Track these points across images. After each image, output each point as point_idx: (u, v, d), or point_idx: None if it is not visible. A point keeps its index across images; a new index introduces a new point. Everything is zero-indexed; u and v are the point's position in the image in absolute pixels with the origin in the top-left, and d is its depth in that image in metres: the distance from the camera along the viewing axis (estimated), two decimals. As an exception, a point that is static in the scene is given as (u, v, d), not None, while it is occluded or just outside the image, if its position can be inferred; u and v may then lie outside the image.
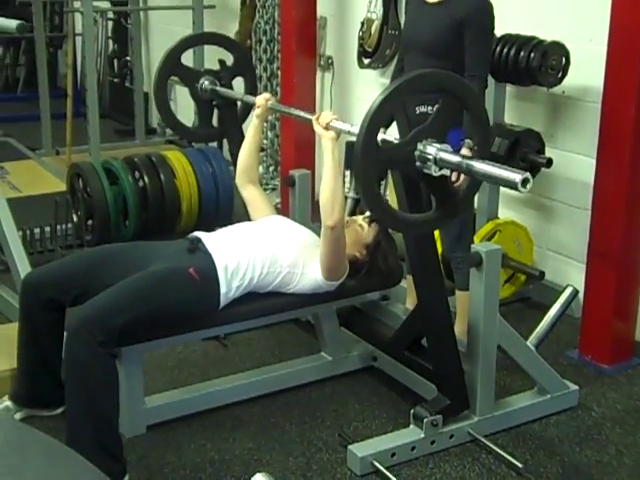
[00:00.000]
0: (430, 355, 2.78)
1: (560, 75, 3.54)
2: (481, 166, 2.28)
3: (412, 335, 2.88)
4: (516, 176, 2.17)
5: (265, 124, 5.34)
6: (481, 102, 2.54)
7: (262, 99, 3.17)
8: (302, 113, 3.03)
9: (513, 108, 3.88)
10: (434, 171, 2.33)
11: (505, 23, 3.58)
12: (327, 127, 2.71)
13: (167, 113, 3.56)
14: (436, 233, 3.39)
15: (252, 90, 3.66)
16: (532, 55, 3.47)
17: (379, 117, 2.29)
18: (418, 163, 2.35)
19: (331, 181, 2.63)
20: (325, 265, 2.79)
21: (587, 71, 3.51)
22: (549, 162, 3.57)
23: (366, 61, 4.73)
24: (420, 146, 2.34)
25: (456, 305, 3.30)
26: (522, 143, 3.59)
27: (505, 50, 3.54)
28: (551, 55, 3.48)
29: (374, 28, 4.64)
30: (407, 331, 2.89)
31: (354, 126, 2.56)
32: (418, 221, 2.47)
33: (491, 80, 3.61)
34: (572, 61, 3.51)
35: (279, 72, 5.18)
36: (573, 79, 3.56)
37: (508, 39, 3.57)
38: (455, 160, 2.31)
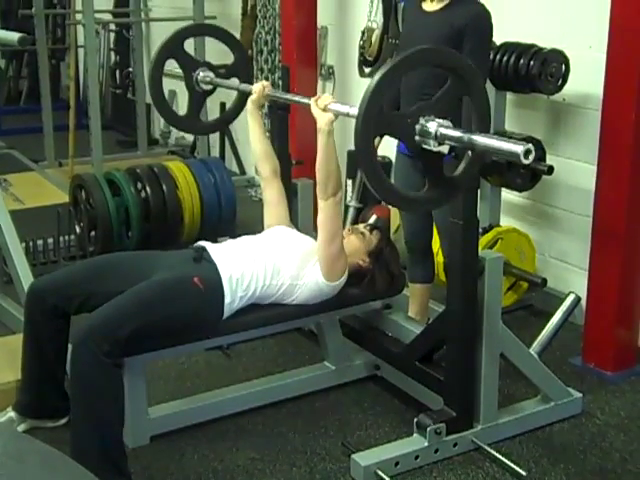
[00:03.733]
0: (446, 365, 2.78)
1: (560, 82, 3.54)
2: (483, 139, 2.28)
3: (429, 344, 2.90)
4: (518, 147, 2.17)
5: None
6: (481, 80, 2.53)
7: (260, 85, 3.17)
8: (299, 98, 3.04)
9: (514, 116, 3.89)
10: (433, 146, 2.33)
11: (505, 31, 3.59)
12: (325, 109, 2.72)
13: (158, 93, 3.46)
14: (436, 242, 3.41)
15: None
16: (532, 63, 3.48)
17: (386, 83, 2.29)
18: (418, 137, 2.35)
19: (325, 161, 2.72)
20: (323, 255, 2.79)
21: (587, 78, 3.52)
22: (550, 169, 3.57)
23: (367, 70, 4.74)
24: (422, 120, 2.34)
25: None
26: (523, 151, 3.59)
27: (505, 58, 3.55)
28: (551, 63, 3.49)
29: (375, 37, 4.65)
30: (425, 339, 2.90)
31: (353, 107, 2.55)
32: (410, 197, 2.46)
33: (491, 88, 3.63)
34: (572, 68, 3.52)
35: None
36: (573, 86, 3.57)
37: (508, 47, 3.58)
38: (456, 134, 2.31)
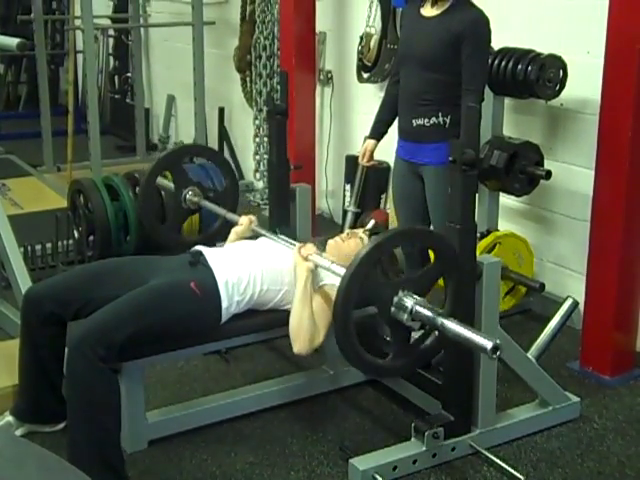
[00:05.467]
0: (444, 369, 2.79)
1: (558, 88, 3.55)
2: (454, 327, 2.30)
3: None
4: (487, 343, 2.18)
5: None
6: (459, 265, 2.56)
7: (247, 219, 3.19)
8: (285, 242, 2.97)
9: (512, 121, 3.90)
10: (406, 320, 2.38)
11: (503, 36, 3.60)
12: (307, 258, 2.74)
13: (147, 201, 3.54)
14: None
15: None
16: (530, 68, 3.49)
17: (367, 263, 2.34)
18: (393, 308, 2.40)
19: (299, 310, 2.68)
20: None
21: (585, 83, 3.53)
22: (548, 174, 3.58)
23: (365, 75, 4.75)
24: (401, 293, 2.39)
25: None
26: (521, 156, 3.61)
27: (503, 63, 3.56)
28: (549, 68, 3.50)
29: (373, 43, 4.67)
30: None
31: (333, 264, 2.64)
32: (376, 364, 2.49)
33: (489, 93, 3.64)
34: (570, 74, 3.53)
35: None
36: (571, 91, 3.58)
37: (506, 52, 3.59)
38: (430, 316, 2.35)
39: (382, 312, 2.42)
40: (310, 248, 2.78)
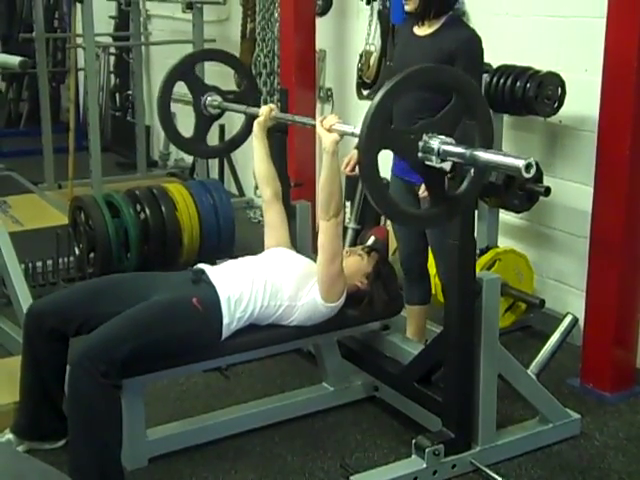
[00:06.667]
0: (444, 386, 2.78)
1: (556, 105, 3.57)
2: (485, 154, 2.30)
3: (428, 365, 2.91)
4: (519, 162, 2.19)
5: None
6: (484, 98, 2.56)
7: (267, 107, 3.19)
8: (305, 119, 3.07)
9: (510, 138, 3.91)
10: (435, 162, 2.34)
11: (501, 54, 3.63)
12: (330, 130, 2.74)
13: (166, 114, 3.46)
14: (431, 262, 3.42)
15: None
16: (528, 85, 3.50)
17: (390, 99, 2.31)
18: (420, 154, 2.36)
19: (328, 182, 2.72)
20: (323, 275, 2.80)
21: (583, 101, 3.54)
22: (547, 191, 3.59)
23: (365, 92, 4.78)
24: (425, 137, 2.35)
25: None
26: (520, 172, 3.62)
27: (502, 81, 3.57)
28: (547, 85, 3.52)
29: (372, 60, 4.70)
30: (423, 361, 2.91)
31: (357, 127, 2.57)
32: (412, 214, 2.48)
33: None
34: (568, 91, 3.55)
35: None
36: (569, 109, 3.60)
37: (504, 70, 3.61)
38: (459, 150, 2.32)
39: (410, 160, 2.36)
40: (332, 119, 2.77)
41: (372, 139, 2.29)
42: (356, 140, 3.49)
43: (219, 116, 3.53)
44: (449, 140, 2.35)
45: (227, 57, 3.66)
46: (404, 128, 2.46)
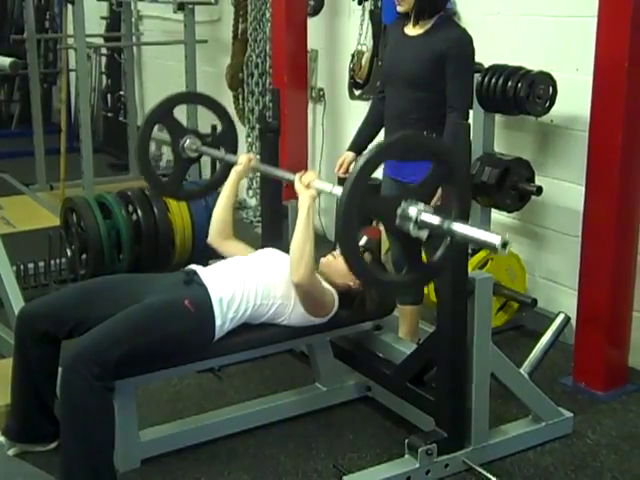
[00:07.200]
0: (437, 385, 2.78)
1: (548, 104, 3.58)
2: (461, 228, 2.28)
3: (420, 365, 2.91)
4: (496, 239, 2.17)
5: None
6: (466, 170, 2.55)
7: (245, 157, 3.17)
8: (284, 173, 3.03)
9: (502, 137, 3.92)
10: (412, 230, 2.33)
11: (492, 54, 3.63)
12: (308, 186, 2.73)
13: (144, 157, 3.43)
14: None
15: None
16: (520, 85, 3.51)
17: (369, 168, 2.29)
18: (398, 221, 2.34)
19: (301, 240, 2.66)
20: (307, 310, 2.83)
21: (574, 100, 3.55)
22: (539, 190, 3.60)
23: (357, 92, 4.78)
24: (404, 204, 2.33)
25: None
26: (512, 172, 3.63)
27: (493, 80, 3.58)
28: (538, 85, 3.52)
29: (364, 60, 4.70)
30: (415, 360, 2.91)
31: (336, 187, 2.61)
32: (390, 280, 2.47)
33: (480, 110, 3.66)
34: (559, 90, 3.55)
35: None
36: (561, 108, 3.61)
37: (496, 69, 3.61)
38: (436, 222, 2.31)
39: (388, 226, 2.36)
40: (310, 175, 2.76)
41: (351, 213, 2.26)
42: (349, 140, 3.56)
43: (197, 159, 3.50)
44: (427, 209, 2.33)
45: (205, 100, 3.63)
46: (382, 196, 2.46)
